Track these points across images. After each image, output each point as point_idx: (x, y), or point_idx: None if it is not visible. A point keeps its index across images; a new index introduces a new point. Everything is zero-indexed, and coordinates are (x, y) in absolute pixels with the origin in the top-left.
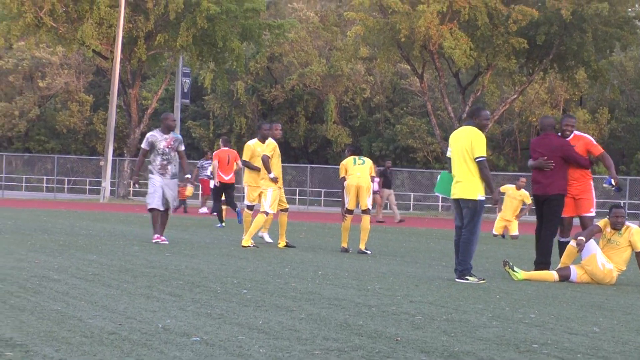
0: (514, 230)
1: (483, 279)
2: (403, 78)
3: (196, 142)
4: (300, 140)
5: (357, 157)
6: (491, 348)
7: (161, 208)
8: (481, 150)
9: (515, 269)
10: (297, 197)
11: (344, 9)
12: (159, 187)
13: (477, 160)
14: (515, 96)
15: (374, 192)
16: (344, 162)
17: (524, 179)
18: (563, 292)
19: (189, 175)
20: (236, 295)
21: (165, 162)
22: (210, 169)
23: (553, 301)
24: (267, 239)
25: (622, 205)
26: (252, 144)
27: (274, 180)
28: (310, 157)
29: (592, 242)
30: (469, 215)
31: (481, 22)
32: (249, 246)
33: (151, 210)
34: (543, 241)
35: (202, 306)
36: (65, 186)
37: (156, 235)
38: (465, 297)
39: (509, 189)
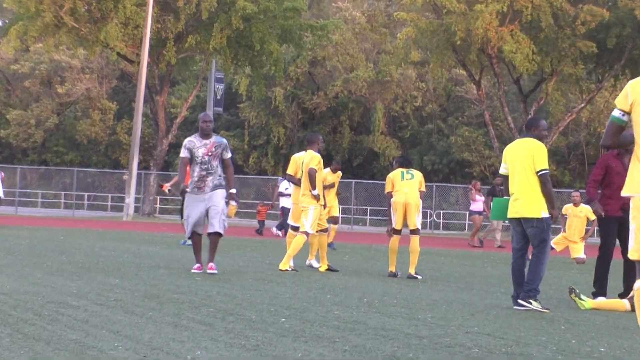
0: (580, 252)
1: (547, 308)
2: (458, 85)
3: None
4: (344, 153)
5: (405, 171)
6: None
7: (199, 231)
8: (543, 162)
9: (582, 297)
10: (341, 215)
11: (394, 9)
12: (195, 210)
13: (539, 173)
14: (583, 105)
15: (479, 213)
16: (390, 175)
17: (576, 193)
18: (636, 323)
19: (233, 191)
20: (273, 324)
21: (204, 174)
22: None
23: (625, 333)
24: (315, 264)
25: None
26: (298, 157)
27: (317, 197)
28: (355, 171)
29: None
30: (537, 237)
31: (545, 23)
32: (287, 270)
33: (191, 237)
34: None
35: (236, 336)
36: (85, 202)
37: (196, 265)
38: (526, 328)
39: (568, 208)
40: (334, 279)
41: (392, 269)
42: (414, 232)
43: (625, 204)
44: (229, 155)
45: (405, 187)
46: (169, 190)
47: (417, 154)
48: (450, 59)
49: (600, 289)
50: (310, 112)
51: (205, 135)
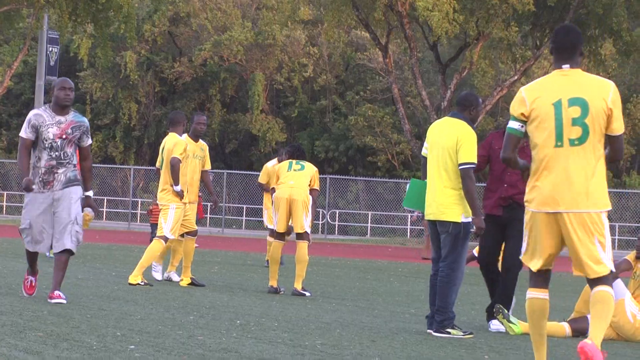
0: None
1: (470, 333)
2: (360, 51)
3: None
4: (214, 136)
5: (295, 161)
6: None
7: (43, 250)
8: (471, 154)
9: (511, 319)
10: (209, 215)
11: None
12: (39, 217)
13: (462, 167)
14: (516, 77)
15: None
16: (275, 166)
17: None
18: (575, 351)
19: (90, 194)
20: (119, 353)
21: (54, 163)
22: None
23: None
24: (175, 278)
25: None
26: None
27: (180, 194)
28: (227, 159)
29: (619, 282)
30: (450, 244)
31: None
32: (138, 284)
33: (28, 251)
34: None
35: None
36: None
37: (30, 280)
38: (441, 358)
39: None
40: (199, 296)
41: (273, 283)
42: (301, 236)
43: (502, 199)
44: (90, 141)
45: (292, 179)
46: None
47: (306, 138)
48: (350, 17)
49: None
50: (170, 84)
51: (61, 108)
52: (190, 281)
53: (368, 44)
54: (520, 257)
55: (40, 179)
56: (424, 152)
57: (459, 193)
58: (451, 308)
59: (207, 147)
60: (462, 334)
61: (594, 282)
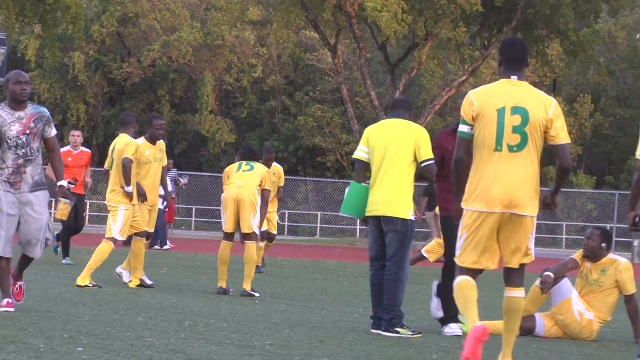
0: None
1: (418, 332)
2: (309, 51)
3: None
4: (164, 137)
5: (244, 162)
6: None
7: (8, 255)
8: (430, 151)
9: (460, 317)
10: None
11: None
12: (9, 220)
13: (425, 164)
14: (465, 77)
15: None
16: (227, 168)
17: None
18: (525, 351)
19: (64, 183)
20: (67, 355)
21: (21, 162)
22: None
23: None
24: (126, 278)
25: (607, 228)
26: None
27: (129, 195)
28: (177, 159)
29: (565, 281)
30: (397, 242)
31: None
32: (87, 285)
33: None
34: None
35: None
36: None
37: (5, 302)
38: (389, 358)
39: None
40: (148, 297)
41: (222, 284)
42: (249, 237)
43: None
44: (54, 131)
45: (240, 179)
46: None
47: (256, 139)
48: (299, 17)
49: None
50: (119, 85)
51: (18, 103)
52: (139, 282)
53: (317, 44)
54: (456, 256)
55: (7, 179)
56: (362, 155)
57: (408, 191)
58: (399, 306)
59: (165, 145)
60: (410, 333)
61: (509, 280)
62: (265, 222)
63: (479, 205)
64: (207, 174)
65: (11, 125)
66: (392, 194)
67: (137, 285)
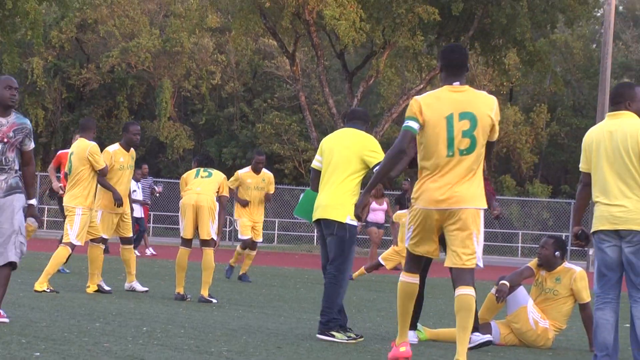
0: None
1: (360, 336)
2: (267, 58)
3: None
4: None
5: (202, 169)
6: None
7: None
8: (381, 154)
9: (417, 325)
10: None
11: None
12: None
13: (376, 169)
14: (422, 86)
15: (378, 226)
16: (185, 175)
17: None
18: (481, 359)
19: (34, 202)
20: None
21: None
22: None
23: None
24: (138, 287)
25: (562, 237)
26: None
27: (120, 202)
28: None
29: (521, 290)
30: (336, 246)
31: None
32: (44, 291)
33: None
34: None
35: None
36: None
37: None
38: None
39: (402, 215)
40: (106, 303)
41: (180, 290)
42: (207, 243)
43: None
44: (32, 145)
45: (198, 185)
46: None
47: (214, 146)
48: (258, 25)
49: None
50: (78, 90)
51: (4, 109)
52: (96, 288)
53: (275, 52)
54: (406, 245)
55: None
56: (317, 165)
57: (348, 196)
58: (337, 310)
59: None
60: (346, 338)
61: (460, 279)
62: (249, 229)
63: (426, 203)
64: (165, 180)
65: None
66: (331, 198)
67: (95, 291)
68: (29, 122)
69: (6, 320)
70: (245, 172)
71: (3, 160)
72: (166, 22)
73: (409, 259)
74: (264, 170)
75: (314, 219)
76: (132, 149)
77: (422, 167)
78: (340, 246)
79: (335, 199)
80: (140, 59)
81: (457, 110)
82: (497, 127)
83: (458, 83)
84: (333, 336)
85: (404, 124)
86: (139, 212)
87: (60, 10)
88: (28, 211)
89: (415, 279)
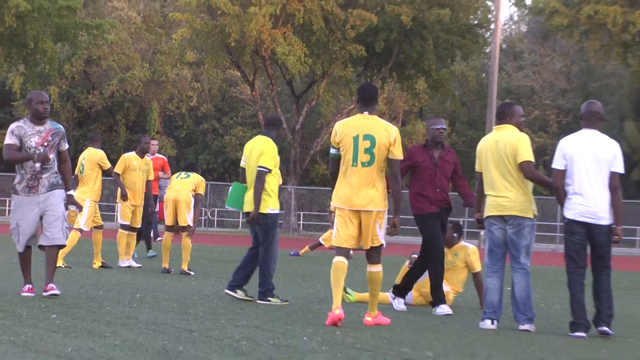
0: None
1: (286, 300)
2: (233, 85)
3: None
4: (120, 152)
5: (183, 172)
6: None
7: (33, 243)
8: (267, 161)
9: (348, 290)
10: (115, 213)
11: (169, 10)
12: (28, 217)
13: (258, 169)
14: (352, 106)
15: None
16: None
17: None
18: (397, 315)
19: (73, 193)
20: (44, 320)
21: (38, 168)
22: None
23: (387, 325)
24: (134, 264)
25: (459, 222)
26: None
27: (125, 196)
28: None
29: None
30: (262, 232)
31: (317, 26)
32: (59, 267)
33: (20, 257)
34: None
35: (5, 333)
36: None
37: (28, 287)
38: (294, 321)
39: None
40: (108, 276)
41: (166, 265)
42: (185, 229)
43: (437, 201)
44: (67, 146)
45: (177, 185)
46: None
47: (192, 153)
48: (225, 59)
49: (404, 290)
50: (85, 111)
51: (39, 120)
52: (100, 264)
53: (239, 80)
54: (332, 240)
55: (26, 184)
56: (242, 164)
57: (266, 193)
58: (270, 281)
59: (152, 162)
60: (279, 301)
61: (370, 257)
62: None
63: (342, 203)
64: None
65: (31, 137)
66: (251, 195)
67: (100, 267)
68: (62, 127)
69: (57, 292)
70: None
71: (45, 161)
72: (154, 58)
73: (338, 249)
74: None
75: (244, 211)
76: (146, 157)
77: (340, 173)
78: (265, 232)
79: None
80: (134, 86)
81: (362, 132)
82: (394, 149)
83: (367, 112)
84: (269, 301)
85: (330, 152)
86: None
87: (71, 49)
88: (68, 200)
89: (345, 260)
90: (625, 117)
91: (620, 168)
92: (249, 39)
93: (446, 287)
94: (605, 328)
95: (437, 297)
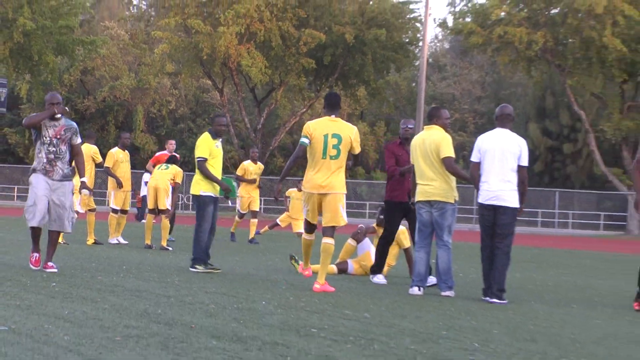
0: (301, 227)
1: (218, 268)
2: (205, 92)
3: (12, 148)
4: (110, 147)
5: (164, 164)
6: (275, 333)
7: (42, 224)
8: (200, 152)
9: (297, 258)
10: (105, 198)
11: (152, 29)
12: (43, 196)
13: (197, 159)
14: (305, 110)
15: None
16: (245, 163)
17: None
18: (341, 284)
19: (85, 179)
20: (45, 288)
21: (52, 157)
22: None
23: (332, 292)
24: (122, 240)
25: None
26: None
27: (120, 184)
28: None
29: (367, 240)
30: (196, 211)
31: (275, 43)
32: (60, 243)
33: (32, 228)
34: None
35: (12, 298)
36: None
37: (35, 256)
38: (255, 288)
39: (292, 192)
40: (99, 251)
41: (148, 242)
42: (163, 211)
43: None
44: (79, 140)
45: (158, 175)
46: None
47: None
48: (198, 70)
49: (379, 268)
50: (81, 113)
51: (54, 117)
52: (93, 241)
53: (210, 88)
54: (305, 216)
55: (43, 166)
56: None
57: (197, 177)
58: (198, 251)
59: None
60: (203, 268)
61: (326, 232)
62: (251, 203)
63: (311, 189)
64: (140, 171)
65: (48, 128)
66: (193, 179)
67: (92, 243)
68: (74, 124)
69: (55, 270)
70: (247, 163)
71: (57, 150)
72: (139, 69)
73: (306, 225)
74: (257, 162)
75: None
76: (126, 150)
77: (309, 164)
78: (198, 211)
79: (194, 179)
80: (122, 92)
81: (330, 132)
82: (355, 145)
83: (334, 115)
84: (196, 268)
85: (300, 140)
86: (145, 191)
87: (69, 61)
88: (81, 186)
89: (311, 236)
90: (529, 119)
91: (526, 162)
92: (218, 53)
93: None
94: (495, 300)
95: (376, 267)
